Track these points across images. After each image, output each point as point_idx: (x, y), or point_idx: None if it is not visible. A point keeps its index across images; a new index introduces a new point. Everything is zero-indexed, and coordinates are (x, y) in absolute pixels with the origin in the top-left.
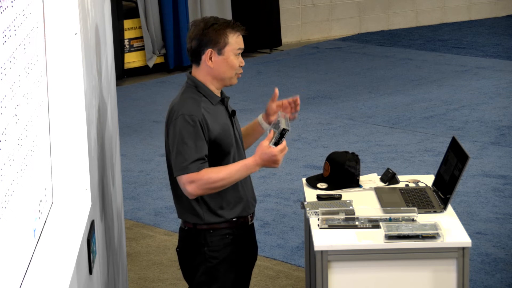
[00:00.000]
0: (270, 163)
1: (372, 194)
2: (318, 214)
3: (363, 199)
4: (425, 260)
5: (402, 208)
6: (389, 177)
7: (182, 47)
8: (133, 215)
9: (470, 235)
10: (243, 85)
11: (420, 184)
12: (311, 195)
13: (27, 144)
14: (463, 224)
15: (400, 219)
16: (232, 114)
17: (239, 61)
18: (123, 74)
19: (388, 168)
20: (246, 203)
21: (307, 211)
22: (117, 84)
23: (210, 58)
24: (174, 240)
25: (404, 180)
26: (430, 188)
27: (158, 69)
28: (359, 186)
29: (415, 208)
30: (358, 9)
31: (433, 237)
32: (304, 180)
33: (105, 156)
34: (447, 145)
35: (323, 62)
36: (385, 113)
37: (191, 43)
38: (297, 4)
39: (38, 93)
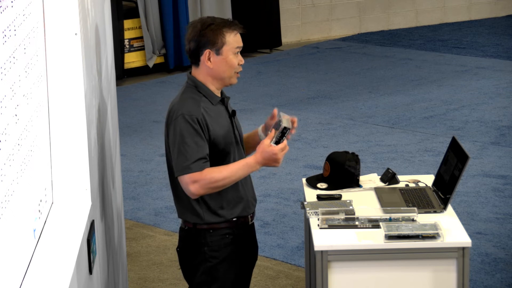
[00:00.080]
0: (270, 161)
1: (372, 194)
2: (318, 214)
3: (363, 199)
4: (425, 260)
5: (402, 208)
6: (389, 177)
7: (182, 47)
8: (133, 215)
9: (470, 235)
10: (243, 85)
11: (420, 184)
12: (311, 195)
13: (27, 144)
14: (463, 224)
15: (400, 219)
16: (232, 114)
17: (238, 60)
18: (123, 74)
19: (388, 168)
20: (246, 203)
21: (307, 211)
22: (117, 84)
23: (209, 59)
24: (174, 240)
25: (404, 180)
26: (430, 188)
27: (158, 69)
28: (359, 186)
29: (415, 208)
30: (358, 9)
31: (433, 237)
32: (304, 180)
33: (105, 156)
34: (447, 145)
35: (323, 62)
36: (385, 113)
37: (189, 44)
38: (297, 4)
39: (38, 93)
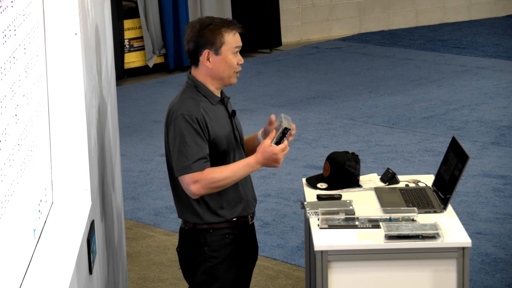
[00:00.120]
0: (271, 161)
1: (372, 194)
2: (318, 214)
3: (363, 199)
4: (425, 260)
5: (402, 208)
6: (389, 177)
7: (182, 47)
8: (133, 215)
9: (470, 235)
10: (243, 85)
11: (420, 184)
12: (311, 195)
13: (27, 144)
14: (463, 224)
15: (400, 219)
16: (232, 115)
17: (237, 59)
18: (123, 74)
19: (388, 168)
20: (246, 203)
21: (307, 211)
22: (117, 84)
23: (208, 59)
24: (174, 240)
25: (404, 180)
26: (430, 188)
27: (158, 69)
28: (359, 186)
29: (415, 208)
30: (358, 9)
31: (433, 237)
32: (304, 180)
33: (105, 156)
34: (447, 145)
35: (323, 62)
36: (385, 113)
37: (188, 45)
38: (297, 4)
39: (38, 93)
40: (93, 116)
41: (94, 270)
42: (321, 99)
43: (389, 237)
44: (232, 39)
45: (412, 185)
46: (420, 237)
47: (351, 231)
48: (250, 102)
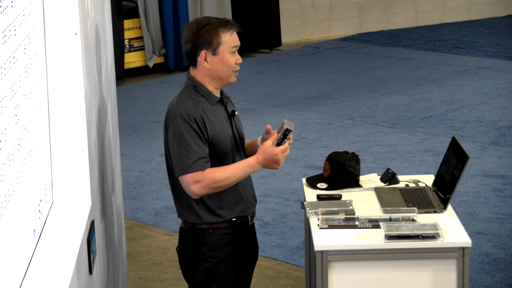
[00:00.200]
0: (271, 162)
1: (372, 194)
2: (318, 214)
3: (363, 199)
4: (425, 260)
5: (402, 208)
6: (389, 177)
7: (182, 47)
8: (133, 215)
9: (470, 235)
10: (243, 85)
11: (420, 184)
12: (311, 195)
13: (27, 144)
14: (463, 224)
15: (400, 219)
16: (231, 115)
17: (235, 59)
18: (123, 74)
19: (388, 168)
20: (246, 203)
21: (307, 211)
22: (117, 84)
23: (206, 59)
24: (174, 240)
25: (404, 180)
26: (430, 188)
27: (158, 69)
28: (359, 186)
29: (415, 208)
30: (358, 9)
31: (433, 237)
32: (304, 180)
33: (105, 156)
34: (447, 145)
35: (323, 62)
36: (385, 113)
37: (186, 46)
38: (297, 4)
39: (38, 93)
40: (93, 116)
41: (94, 270)
42: (321, 99)
43: (389, 237)
44: (229, 39)
45: (412, 185)
46: (420, 237)
47: (351, 231)
48: (250, 102)
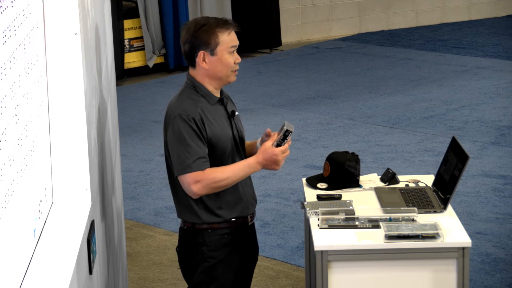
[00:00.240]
0: (271, 163)
1: (372, 194)
2: (318, 214)
3: (363, 199)
4: (425, 260)
5: (402, 208)
6: (389, 177)
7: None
8: (133, 215)
9: (470, 235)
10: (243, 85)
11: (420, 184)
12: (311, 195)
13: (27, 144)
14: (463, 224)
15: (400, 219)
16: (231, 115)
17: (234, 58)
18: (123, 74)
19: (388, 168)
20: (245, 203)
21: (307, 211)
22: (117, 84)
23: (204, 60)
24: (174, 240)
25: (404, 180)
26: (430, 188)
27: (158, 69)
28: (359, 186)
29: (415, 208)
30: (358, 9)
31: (433, 237)
32: (304, 180)
33: (105, 156)
34: (447, 145)
35: (323, 62)
36: (385, 113)
37: (184, 46)
38: (297, 4)
39: (38, 93)
40: (93, 116)
41: (94, 270)
42: (321, 99)
43: (389, 237)
44: (227, 39)
45: (412, 185)
46: (420, 237)
47: (351, 231)
48: (250, 102)
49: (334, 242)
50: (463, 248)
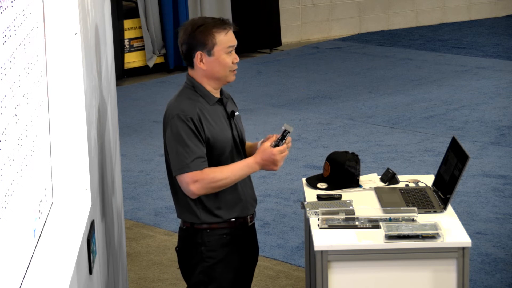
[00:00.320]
0: (269, 163)
1: (372, 194)
2: (318, 214)
3: (363, 199)
4: (425, 260)
5: (402, 208)
6: (389, 177)
7: None
8: (133, 215)
9: (470, 235)
10: (243, 85)
11: (420, 184)
12: (311, 195)
13: (27, 144)
14: (463, 224)
15: (400, 219)
16: (231, 115)
17: (232, 58)
18: (123, 74)
19: (388, 168)
20: (245, 204)
21: (307, 211)
22: (117, 84)
23: (201, 61)
24: (174, 240)
25: (404, 180)
26: (430, 188)
27: (158, 69)
28: (359, 186)
29: (415, 208)
30: (358, 9)
31: (433, 237)
32: (304, 180)
33: (105, 156)
34: (447, 145)
35: (323, 62)
36: (385, 113)
37: (182, 47)
38: (297, 4)
39: (38, 93)
40: (93, 116)
41: (94, 270)
42: (321, 99)
43: (389, 237)
44: (224, 39)
45: (412, 185)
46: (420, 237)
47: (351, 231)
48: (250, 102)
49: (334, 242)
50: (463, 248)
